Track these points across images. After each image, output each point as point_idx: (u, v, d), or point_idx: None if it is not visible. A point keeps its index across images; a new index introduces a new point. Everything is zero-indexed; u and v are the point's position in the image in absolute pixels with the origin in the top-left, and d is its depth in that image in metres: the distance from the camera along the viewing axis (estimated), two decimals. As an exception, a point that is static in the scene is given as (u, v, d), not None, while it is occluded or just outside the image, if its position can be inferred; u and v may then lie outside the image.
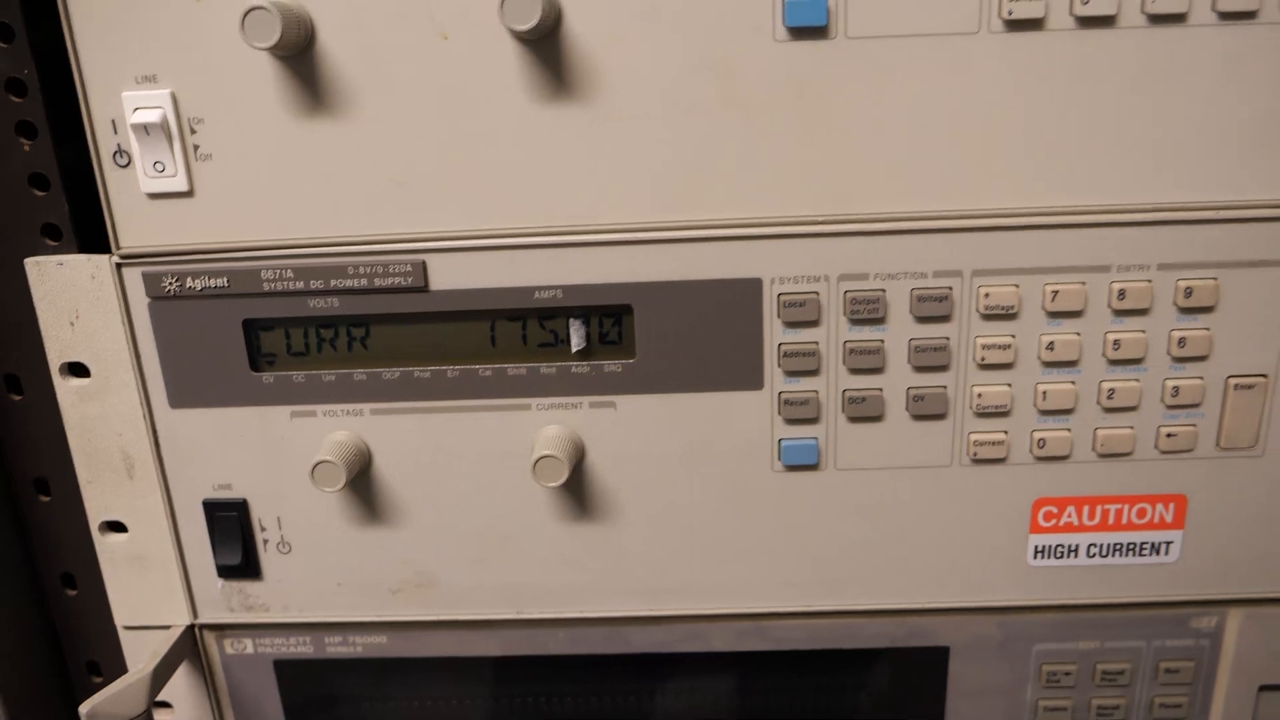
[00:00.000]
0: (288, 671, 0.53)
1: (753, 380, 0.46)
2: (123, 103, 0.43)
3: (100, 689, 0.47)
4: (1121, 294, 0.44)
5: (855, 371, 0.46)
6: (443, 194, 0.44)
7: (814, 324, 0.45)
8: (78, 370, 0.48)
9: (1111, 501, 0.48)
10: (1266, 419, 0.46)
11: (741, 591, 0.50)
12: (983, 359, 0.45)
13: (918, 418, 0.46)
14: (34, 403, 0.50)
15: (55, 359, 0.47)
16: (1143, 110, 0.42)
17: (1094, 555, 0.49)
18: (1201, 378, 0.45)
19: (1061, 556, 0.49)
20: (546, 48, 0.42)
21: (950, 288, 0.44)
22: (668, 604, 0.50)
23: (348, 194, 0.44)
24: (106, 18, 0.42)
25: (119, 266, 0.45)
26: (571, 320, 0.46)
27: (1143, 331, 0.45)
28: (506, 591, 0.50)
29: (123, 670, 0.52)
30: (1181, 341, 0.45)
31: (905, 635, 0.51)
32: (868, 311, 0.45)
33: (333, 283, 0.45)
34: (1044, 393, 0.46)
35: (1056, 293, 0.44)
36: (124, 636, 0.52)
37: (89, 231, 0.47)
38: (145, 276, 0.45)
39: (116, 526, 0.50)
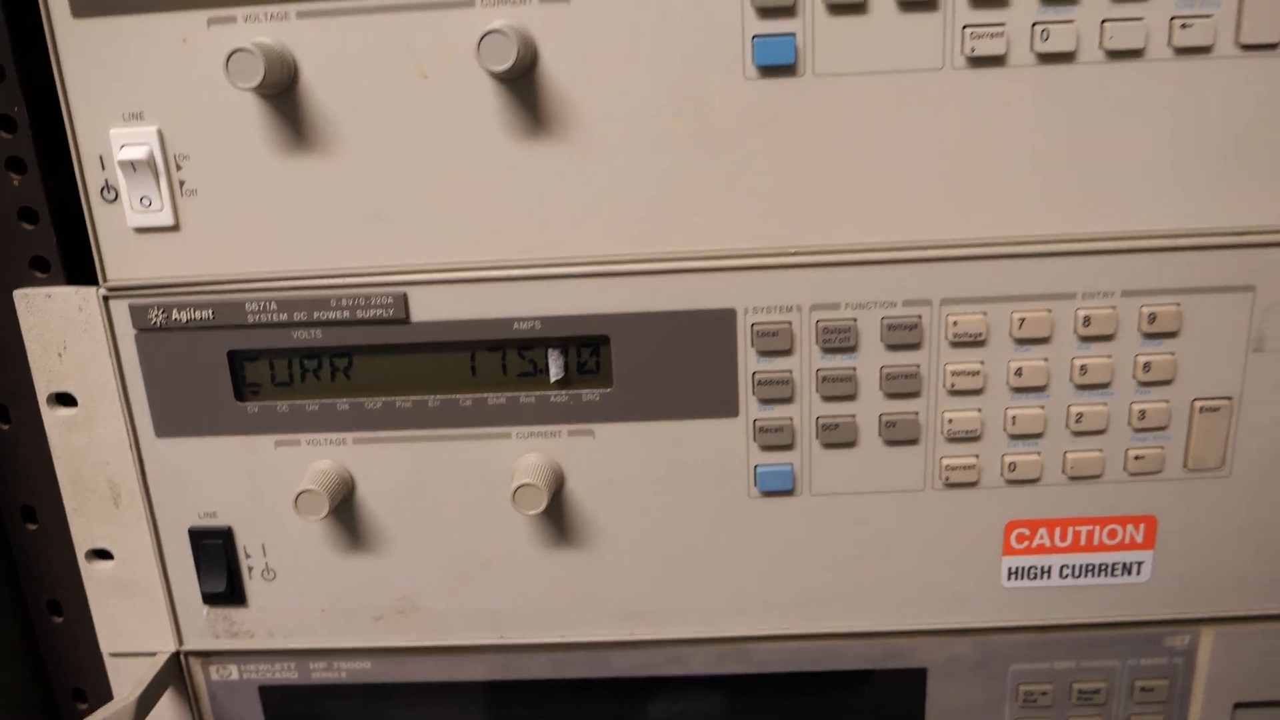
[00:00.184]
0: (273, 697, 0.53)
1: (728, 408, 0.47)
2: (110, 140, 0.44)
3: (86, 715, 0.48)
4: (1087, 320, 0.45)
5: (828, 399, 0.47)
6: (423, 228, 0.45)
7: (787, 353, 0.46)
8: (65, 400, 0.48)
9: (1083, 523, 0.49)
10: (1232, 441, 0.47)
11: (721, 615, 0.51)
12: (953, 385, 0.46)
13: (890, 443, 0.47)
14: (22, 432, 0.51)
15: (43, 389, 0.48)
16: (1103, 142, 0.43)
17: (1067, 576, 0.50)
18: (1167, 401, 0.46)
19: (1035, 577, 0.50)
20: (524, 87, 0.43)
21: (920, 316, 0.45)
22: (648, 628, 0.51)
23: (330, 228, 0.45)
24: (95, 57, 0.43)
25: (106, 299, 0.46)
26: (550, 350, 0.47)
27: (1108, 357, 0.46)
28: (489, 617, 0.51)
29: (108, 697, 0.53)
30: (1146, 366, 0.46)
31: (883, 657, 0.52)
32: (839, 340, 0.46)
33: (316, 315, 0.46)
34: (1013, 417, 0.47)
35: (1023, 320, 0.45)
36: (110, 663, 0.53)
37: (77, 264, 0.48)
38: (132, 308, 0.46)
39: (103, 554, 0.51)
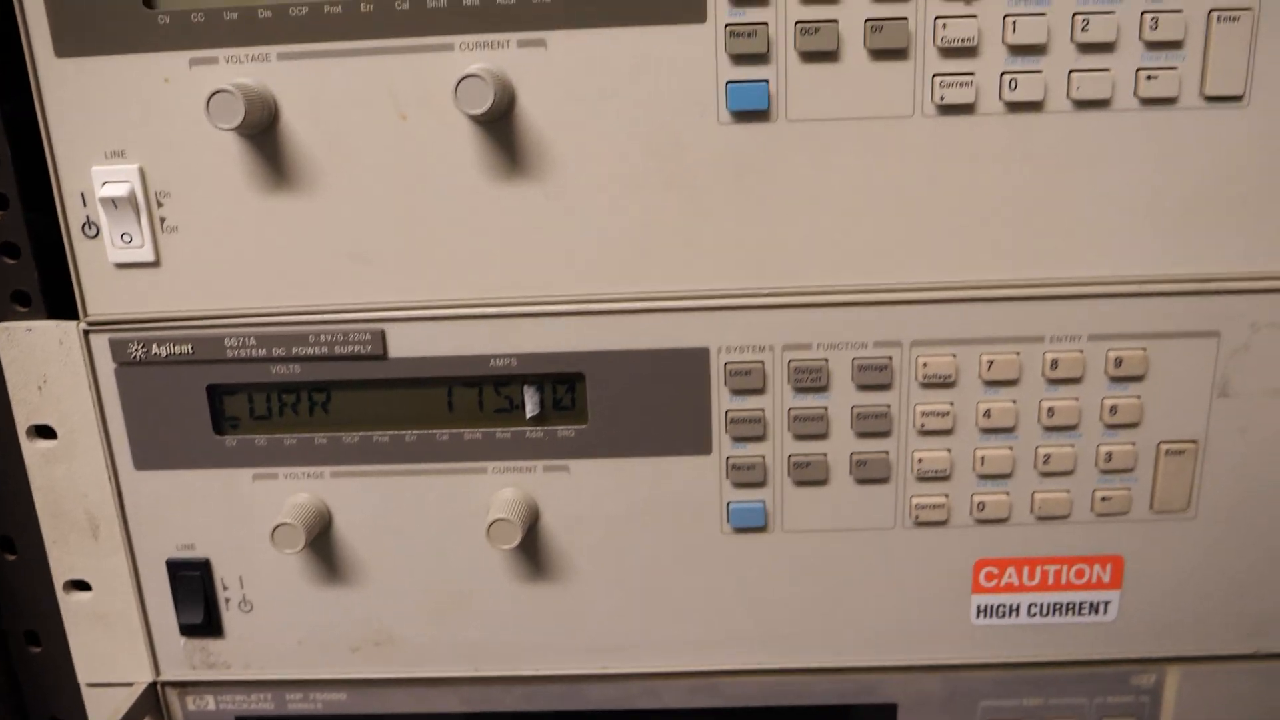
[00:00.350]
0: (249, 727, 0.53)
1: (701, 445, 0.47)
2: (92, 177, 0.44)
3: (60, 747, 0.48)
4: (1054, 364, 0.46)
5: (800, 437, 0.47)
6: (401, 266, 0.45)
7: (759, 391, 0.47)
8: (45, 432, 0.49)
9: (1050, 562, 0.49)
10: (1198, 483, 0.48)
11: (693, 649, 0.51)
12: (923, 425, 0.47)
13: (861, 481, 0.48)
14: (1, 463, 0.51)
15: (23, 421, 0.48)
16: (1070, 189, 0.44)
17: (1035, 614, 0.50)
18: (1134, 444, 0.47)
19: (1003, 616, 0.50)
20: (501, 129, 0.43)
21: (890, 357, 0.46)
22: (621, 661, 0.51)
23: (309, 265, 0.46)
24: (77, 95, 0.43)
25: (86, 333, 0.47)
26: (526, 387, 0.47)
27: (1076, 399, 0.46)
28: (464, 650, 0.51)
29: (85, 727, 0.53)
30: (1113, 409, 0.46)
31: (854, 692, 0.52)
32: (811, 380, 0.46)
33: (294, 350, 0.46)
34: (982, 458, 0.47)
35: (992, 362, 0.46)
36: (87, 693, 0.53)
37: (58, 298, 0.48)
38: (112, 343, 0.47)
39: (81, 585, 0.51)
